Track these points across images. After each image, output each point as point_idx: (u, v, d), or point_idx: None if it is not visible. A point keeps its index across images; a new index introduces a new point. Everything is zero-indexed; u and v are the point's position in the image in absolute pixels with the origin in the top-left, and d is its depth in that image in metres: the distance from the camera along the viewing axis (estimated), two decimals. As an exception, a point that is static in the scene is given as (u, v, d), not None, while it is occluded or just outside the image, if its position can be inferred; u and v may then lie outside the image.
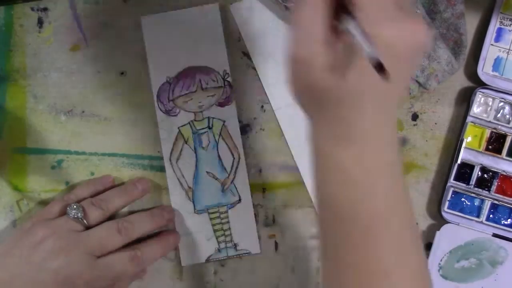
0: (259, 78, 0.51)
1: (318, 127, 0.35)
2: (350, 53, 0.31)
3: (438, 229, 0.50)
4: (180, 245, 0.51)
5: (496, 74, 0.50)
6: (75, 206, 0.45)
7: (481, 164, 0.50)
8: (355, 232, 0.34)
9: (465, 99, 0.51)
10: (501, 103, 0.50)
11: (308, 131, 0.36)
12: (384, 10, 0.31)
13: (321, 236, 0.36)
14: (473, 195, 0.50)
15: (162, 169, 0.51)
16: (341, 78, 0.31)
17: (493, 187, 0.50)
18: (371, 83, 0.31)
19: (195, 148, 0.51)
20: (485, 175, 0.50)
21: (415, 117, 0.52)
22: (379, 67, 0.29)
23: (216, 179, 0.51)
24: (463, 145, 0.50)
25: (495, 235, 0.50)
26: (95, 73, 0.51)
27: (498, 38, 0.50)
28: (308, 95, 0.34)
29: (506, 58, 0.50)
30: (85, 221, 0.45)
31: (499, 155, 0.50)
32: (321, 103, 0.33)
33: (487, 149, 0.50)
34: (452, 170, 0.50)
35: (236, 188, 0.51)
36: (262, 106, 0.51)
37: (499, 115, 0.50)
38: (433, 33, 0.34)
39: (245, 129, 0.51)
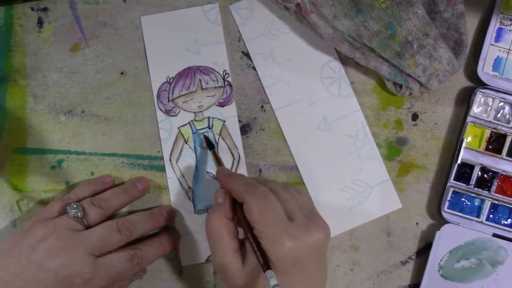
0: (259, 78, 0.51)
1: None
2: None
3: (438, 229, 0.50)
4: (180, 245, 0.51)
5: (496, 74, 0.50)
6: (75, 206, 0.45)
7: (481, 164, 0.50)
8: None
9: (465, 99, 0.51)
10: (501, 103, 0.50)
11: None
12: (278, 227, 0.39)
13: None
14: (473, 195, 0.50)
15: (162, 169, 0.51)
16: (253, 283, 0.40)
17: (493, 187, 0.50)
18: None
19: (195, 148, 0.51)
20: (485, 175, 0.50)
21: (415, 117, 0.52)
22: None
23: (216, 179, 0.51)
24: (463, 145, 0.50)
25: (495, 235, 0.50)
26: (95, 73, 0.51)
27: (498, 38, 0.50)
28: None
29: (506, 58, 0.50)
30: (85, 220, 0.45)
31: (499, 155, 0.50)
32: None
33: (487, 149, 0.50)
34: (452, 170, 0.50)
35: (236, 188, 0.51)
36: (262, 106, 0.51)
37: (499, 115, 0.50)
38: (325, 231, 0.42)
39: (245, 129, 0.51)
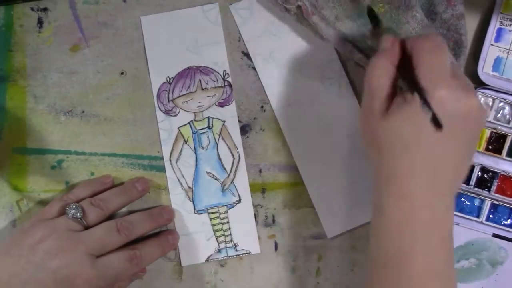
0: (259, 78, 0.51)
1: (376, 175, 0.39)
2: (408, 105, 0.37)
3: (438, 229, 0.50)
4: (180, 245, 0.51)
5: (496, 74, 0.50)
6: (74, 206, 0.45)
7: (481, 164, 0.50)
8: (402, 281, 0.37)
9: (465, 99, 0.51)
10: (501, 103, 0.50)
11: (371, 181, 0.41)
12: (443, 76, 0.37)
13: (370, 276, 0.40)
14: (473, 195, 0.50)
15: (162, 169, 0.51)
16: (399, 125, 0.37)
17: (493, 187, 0.50)
18: (423, 134, 0.36)
19: (195, 148, 0.51)
20: (485, 175, 0.50)
21: (415, 117, 0.52)
22: (434, 119, 0.35)
23: (216, 179, 0.51)
24: (463, 145, 0.50)
25: (495, 235, 0.50)
26: (95, 73, 0.51)
27: (498, 38, 0.50)
28: (369, 138, 0.39)
29: (506, 58, 0.50)
30: (84, 221, 0.45)
31: (499, 155, 0.50)
32: (379, 148, 0.38)
33: (487, 149, 0.50)
34: (452, 170, 0.50)
35: (236, 188, 0.51)
36: (262, 106, 0.51)
37: (499, 115, 0.50)
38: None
39: (245, 129, 0.51)
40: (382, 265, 0.39)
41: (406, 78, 0.38)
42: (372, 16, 0.45)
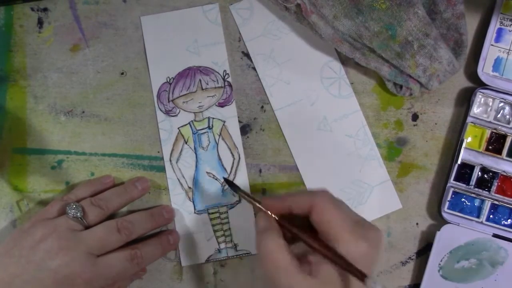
0: (259, 78, 0.51)
1: None
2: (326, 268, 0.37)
3: (438, 229, 0.50)
4: (180, 245, 0.51)
5: (496, 74, 0.50)
6: (74, 206, 0.45)
7: (481, 165, 0.50)
8: None
9: (465, 99, 0.51)
10: (501, 104, 0.50)
11: None
12: (355, 227, 0.37)
13: None
14: (473, 195, 0.50)
15: (162, 169, 0.51)
16: None
17: (493, 188, 0.50)
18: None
19: (195, 148, 0.51)
20: (485, 176, 0.50)
21: (415, 117, 0.52)
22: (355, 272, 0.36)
23: (216, 179, 0.51)
24: (463, 145, 0.50)
25: (495, 236, 0.50)
26: (95, 73, 0.51)
27: (498, 38, 0.50)
28: None
29: (506, 58, 0.50)
30: (84, 220, 0.45)
31: (499, 156, 0.50)
32: None
33: (487, 149, 0.50)
34: (452, 170, 0.50)
35: (236, 188, 0.51)
36: (262, 106, 0.51)
37: (499, 115, 0.50)
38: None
39: (245, 129, 0.51)
40: None
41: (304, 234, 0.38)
42: (230, 183, 0.45)
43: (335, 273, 0.37)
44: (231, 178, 0.51)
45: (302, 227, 0.39)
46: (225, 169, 0.51)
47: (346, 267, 0.36)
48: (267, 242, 0.38)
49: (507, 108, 0.50)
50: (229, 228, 0.51)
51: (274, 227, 0.39)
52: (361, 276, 0.35)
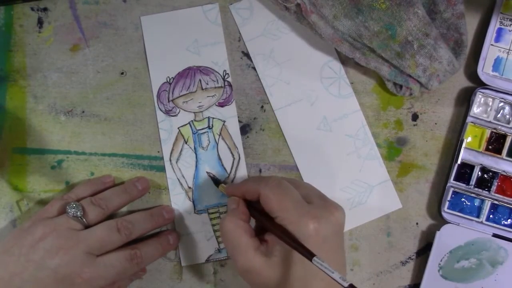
0: (259, 78, 0.51)
1: None
2: (281, 247, 0.40)
3: (438, 229, 0.50)
4: (180, 245, 0.51)
5: (496, 74, 0.50)
6: (74, 205, 0.45)
7: (481, 164, 0.50)
8: None
9: (465, 99, 0.51)
10: (501, 103, 0.50)
11: None
12: (299, 209, 0.40)
13: None
14: (473, 195, 0.50)
15: (162, 169, 0.51)
16: (284, 272, 0.39)
17: (493, 187, 0.50)
18: (313, 270, 0.39)
19: (195, 148, 0.51)
20: (485, 175, 0.50)
21: (415, 117, 0.52)
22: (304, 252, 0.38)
23: (216, 179, 0.51)
24: (463, 145, 0.50)
25: (495, 235, 0.50)
26: (95, 73, 0.51)
27: (498, 38, 0.50)
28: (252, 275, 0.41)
29: (506, 58, 0.50)
30: (84, 219, 0.45)
31: (499, 155, 0.50)
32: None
33: (487, 149, 0.50)
34: (452, 170, 0.50)
35: (236, 188, 0.51)
36: (262, 106, 0.51)
37: (499, 115, 0.50)
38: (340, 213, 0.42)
39: (245, 129, 0.51)
40: None
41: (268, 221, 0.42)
42: (211, 177, 0.50)
43: (289, 252, 0.40)
44: (231, 178, 0.51)
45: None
46: (225, 169, 0.51)
47: (294, 245, 0.38)
48: (226, 222, 0.42)
49: (507, 108, 0.50)
50: (229, 228, 0.51)
51: (239, 210, 0.43)
52: (309, 255, 0.37)
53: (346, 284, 0.35)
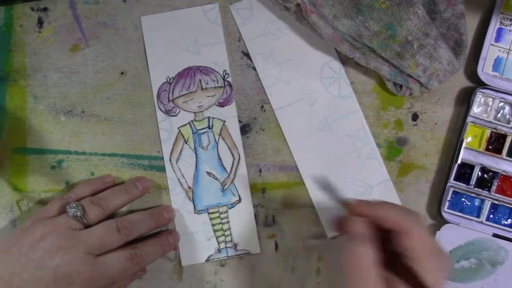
0: (259, 78, 0.51)
1: None
2: None
3: (438, 229, 0.50)
4: (180, 245, 0.51)
5: (496, 74, 0.50)
6: (74, 205, 0.45)
7: (481, 164, 0.50)
8: None
9: (465, 99, 0.51)
10: (501, 103, 0.50)
11: None
12: (439, 261, 0.36)
13: None
14: (473, 195, 0.50)
15: (162, 169, 0.51)
16: None
17: (493, 187, 0.50)
18: None
19: (195, 148, 0.51)
20: (485, 175, 0.50)
21: (415, 117, 0.52)
22: None
23: (216, 179, 0.51)
24: (463, 145, 0.50)
25: (495, 235, 0.50)
26: (95, 73, 0.51)
27: (498, 38, 0.50)
28: None
29: (506, 58, 0.50)
30: (84, 219, 0.45)
31: (499, 155, 0.50)
32: None
33: (487, 149, 0.50)
34: (452, 170, 0.50)
35: (236, 188, 0.51)
36: (262, 106, 0.51)
37: (499, 115, 0.50)
38: None
39: (245, 129, 0.51)
40: None
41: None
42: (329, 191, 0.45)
43: None
44: (231, 178, 0.51)
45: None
46: (225, 169, 0.51)
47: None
48: (359, 251, 0.35)
49: (507, 107, 0.50)
50: (229, 228, 0.51)
51: (367, 236, 0.36)
52: None
53: None
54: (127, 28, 0.51)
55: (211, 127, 0.51)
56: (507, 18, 0.50)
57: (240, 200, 0.51)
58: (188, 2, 0.51)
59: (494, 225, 0.50)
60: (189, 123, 0.51)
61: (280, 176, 0.51)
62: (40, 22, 0.51)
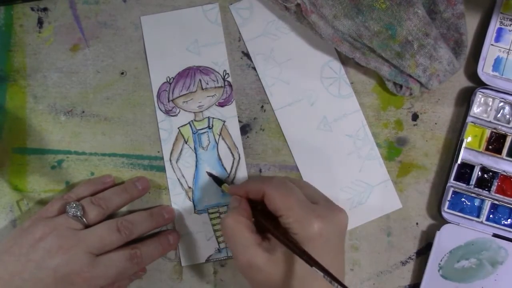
0: (259, 78, 0.51)
1: None
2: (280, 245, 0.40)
3: (438, 229, 0.50)
4: (180, 245, 0.51)
5: (496, 74, 0.50)
6: (74, 205, 0.45)
7: (481, 164, 0.50)
8: None
9: (465, 99, 0.51)
10: (501, 103, 0.50)
11: None
12: (304, 208, 0.40)
13: None
14: (473, 195, 0.50)
15: (162, 169, 0.51)
16: (286, 270, 0.39)
17: (493, 187, 0.50)
18: (309, 269, 0.38)
19: (195, 148, 0.51)
20: (485, 175, 0.50)
21: (415, 117, 0.52)
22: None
23: (218, 178, 0.51)
24: (463, 145, 0.50)
25: (495, 235, 0.50)
26: (95, 73, 0.51)
27: (498, 38, 0.50)
28: (256, 286, 0.41)
29: (506, 58, 0.50)
30: (84, 219, 0.45)
31: (499, 155, 0.50)
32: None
33: (487, 149, 0.50)
34: (452, 170, 0.50)
35: (236, 188, 0.51)
36: (262, 106, 0.51)
37: (499, 115, 0.50)
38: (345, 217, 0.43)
39: (245, 129, 0.51)
40: None
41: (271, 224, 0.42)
42: (213, 177, 0.50)
43: (289, 252, 0.40)
44: (231, 178, 0.51)
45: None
46: (225, 169, 0.51)
47: (296, 251, 0.39)
48: (227, 219, 0.42)
49: (507, 107, 0.50)
50: (229, 228, 0.51)
51: (241, 207, 0.43)
52: (310, 262, 0.37)
53: None
54: (127, 28, 0.51)
55: (211, 127, 0.51)
56: (507, 18, 0.50)
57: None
58: (188, 2, 0.51)
59: (494, 225, 0.50)
60: (189, 123, 0.51)
61: (280, 176, 0.51)
62: (40, 22, 0.51)
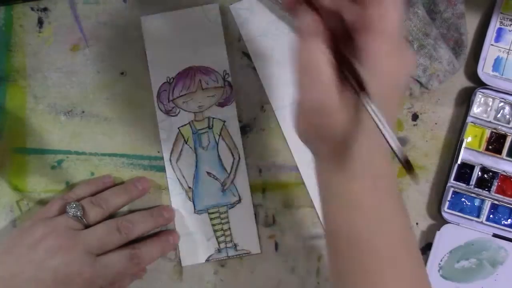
0: (259, 78, 0.51)
1: (326, 163, 0.35)
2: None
3: (438, 229, 0.50)
4: (180, 245, 0.51)
5: (496, 74, 0.50)
6: (74, 205, 0.45)
7: (481, 164, 0.50)
8: (368, 258, 0.34)
9: (465, 99, 0.51)
10: (501, 103, 0.50)
11: (315, 167, 0.37)
12: (389, 43, 0.32)
13: (332, 263, 0.37)
14: (473, 195, 0.50)
15: (162, 169, 0.51)
16: (353, 117, 0.32)
17: (493, 187, 0.50)
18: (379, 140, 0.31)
19: (195, 148, 0.51)
20: (485, 175, 0.50)
21: (415, 117, 0.52)
22: (407, 165, 0.30)
23: (216, 179, 0.51)
24: (463, 145, 0.50)
25: (495, 235, 0.50)
26: (95, 73, 0.51)
27: (498, 38, 0.50)
28: (318, 133, 0.34)
29: (506, 58, 0.50)
30: (84, 219, 0.45)
31: (499, 155, 0.50)
32: (331, 141, 0.33)
33: (487, 149, 0.50)
34: (452, 170, 0.50)
35: (236, 188, 0.51)
36: (262, 106, 0.51)
37: (499, 115, 0.50)
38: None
39: (245, 129, 0.51)
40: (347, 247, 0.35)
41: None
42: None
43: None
44: (230, 178, 0.51)
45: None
46: (225, 169, 0.51)
47: (352, 74, 0.31)
48: (308, 45, 0.32)
49: (507, 108, 0.50)
50: (229, 228, 0.51)
51: (320, 32, 0.32)
52: (360, 89, 0.30)
53: (400, 154, 0.29)
54: (127, 28, 0.51)
55: (211, 127, 0.51)
56: (507, 18, 0.50)
57: (240, 200, 0.51)
58: (188, 2, 0.51)
59: (494, 225, 0.50)
60: (189, 123, 0.51)
61: (280, 176, 0.51)
62: (40, 22, 0.51)
